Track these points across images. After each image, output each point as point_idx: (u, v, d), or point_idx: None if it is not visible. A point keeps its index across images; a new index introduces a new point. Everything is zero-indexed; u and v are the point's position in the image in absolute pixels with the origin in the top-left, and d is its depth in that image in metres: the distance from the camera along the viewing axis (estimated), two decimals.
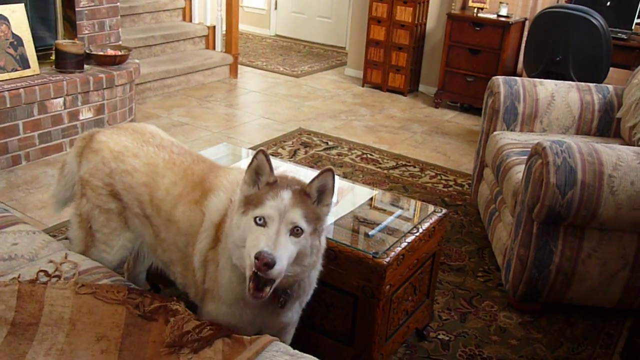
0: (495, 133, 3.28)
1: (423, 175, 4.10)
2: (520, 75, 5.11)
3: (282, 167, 3.11)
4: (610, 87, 3.42)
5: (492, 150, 3.18)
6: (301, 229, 1.52)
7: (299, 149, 4.38)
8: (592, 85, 3.42)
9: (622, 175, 2.36)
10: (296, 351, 1.30)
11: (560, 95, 3.32)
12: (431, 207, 2.44)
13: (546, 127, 3.32)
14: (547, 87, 3.35)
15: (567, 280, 2.56)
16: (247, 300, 1.62)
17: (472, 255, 3.13)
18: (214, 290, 1.73)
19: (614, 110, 3.31)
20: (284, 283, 1.57)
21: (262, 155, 1.57)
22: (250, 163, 1.59)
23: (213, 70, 5.89)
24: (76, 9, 4.26)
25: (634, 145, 2.91)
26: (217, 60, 5.90)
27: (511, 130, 3.32)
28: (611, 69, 4.13)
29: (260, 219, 1.51)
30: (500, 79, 3.35)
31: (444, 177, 4.08)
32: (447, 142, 4.78)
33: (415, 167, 4.22)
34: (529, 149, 2.60)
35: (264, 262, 1.41)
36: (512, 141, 3.10)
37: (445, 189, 3.90)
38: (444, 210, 2.40)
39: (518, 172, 2.76)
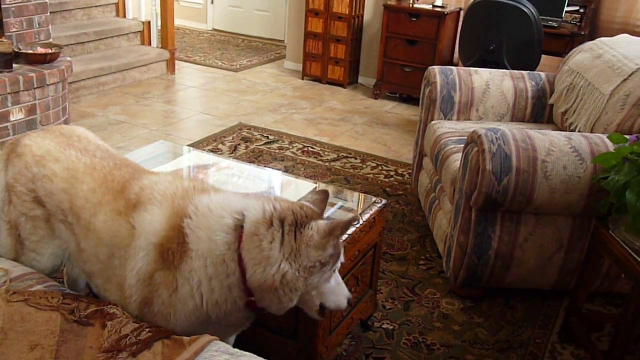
0: (432, 122, 3.33)
1: (364, 166, 4.12)
2: (456, 65, 5.19)
3: (223, 163, 3.07)
4: (543, 74, 3.51)
5: (430, 140, 3.22)
6: None
7: (239, 144, 4.33)
8: (525, 72, 3.51)
9: (555, 160, 2.43)
10: (236, 350, 1.28)
11: (494, 83, 3.39)
12: (371, 198, 2.45)
13: (482, 115, 3.39)
14: (482, 76, 3.41)
15: (506, 265, 2.62)
16: (212, 319, 1.63)
17: (414, 244, 3.17)
18: (167, 314, 1.63)
19: (546, 96, 3.41)
20: None
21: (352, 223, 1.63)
22: (343, 229, 1.59)
23: (149, 66, 5.76)
24: (2, 6, 4.07)
25: (565, 131, 3.00)
26: (153, 56, 5.78)
27: (448, 119, 3.38)
28: (543, 56, 4.24)
29: (336, 269, 1.67)
30: (436, 69, 3.40)
31: (384, 168, 4.12)
32: (387, 132, 4.82)
33: (356, 158, 4.24)
34: (466, 138, 2.65)
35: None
36: (449, 130, 3.15)
37: (387, 180, 3.93)
38: (384, 201, 2.42)
39: (456, 161, 2.80)
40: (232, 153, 4.16)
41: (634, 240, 2.14)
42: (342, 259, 1.66)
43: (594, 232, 2.36)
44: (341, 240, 1.64)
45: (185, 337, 1.45)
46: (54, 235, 1.89)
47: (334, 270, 1.66)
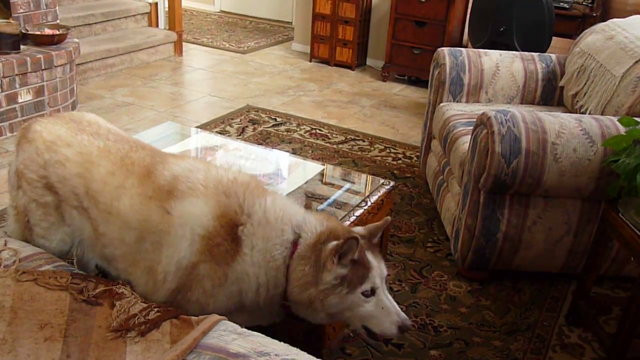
0: (441, 104, 3.31)
1: (372, 149, 4.11)
2: (466, 47, 5.14)
3: (231, 144, 3.07)
4: (553, 56, 3.48)
5: (439, 122, 3.20)
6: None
7: (247, 127, 4.33)
8: (535, 54, 3.47)
9: (565, 143, 2.41)
10: (244, 329, 1.29)
11: (504, 65, 3.36)
12: (379, 180, 2.45)
13: (491, 97, 3.36)
14: (491, 58, 3.38)
15: (514, 248, 2.61)
16: (246, 309, 1.69)
17: (422, 227, 3.16)
18: (206, 304, 1.66)
19: (557, 79, 3.37)
20: None
21: (354, 242, 1.58)
22: (340, 247, 1.58)
23: (157, 48, 5.75)
24: None
25: (576, 113, 2.97)
26: (160, 38, 5.75)
27: (457, 102, 3.35)
28: (554, 38, 4.20)
29: (368, 292, 1.63)
30: (445, 51, 3.37)
31: (392, 150, 4.10)
32: (396, 115, 4.80)
33: (364, 141, 4.22)
34: (475, 120, 2.63)
35: (408, 328, 1.65)
36: (458, 112, 3.13)
37: (394, 162, 3.92)
38: (392, 183, 2.41)
39: (465, 143, 2.79)
40: (239, 135, 4.15)
41: None
42: (374, 282, 1.63)
43: (603, 215, 2.34)
44: (369, 260, 1.64)
45: (193, 317, 1.46)
46: (64, 222, 1.88)
47: (366, 293, 1.63)
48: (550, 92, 3.38)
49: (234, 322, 1.49)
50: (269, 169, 2.86)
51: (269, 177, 2.65)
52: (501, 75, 3.34)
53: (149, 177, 1.74)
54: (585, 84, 3.02)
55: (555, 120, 2.47)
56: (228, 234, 1.62)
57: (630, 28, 2.97)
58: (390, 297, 1.67)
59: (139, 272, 1.73)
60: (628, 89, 2.66)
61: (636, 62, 2.68)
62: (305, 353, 1.22)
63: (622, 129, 2.37)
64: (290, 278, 1.63)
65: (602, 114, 2.77)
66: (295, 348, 1.23)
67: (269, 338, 1.30)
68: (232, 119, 4.46)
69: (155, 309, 1.52)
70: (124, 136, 1.95)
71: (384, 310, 1.64)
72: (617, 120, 2.42)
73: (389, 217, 1.84)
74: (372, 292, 1.63)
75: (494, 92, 3.35)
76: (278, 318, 1.81)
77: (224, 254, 1.62)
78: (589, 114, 2.86)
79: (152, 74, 5.38)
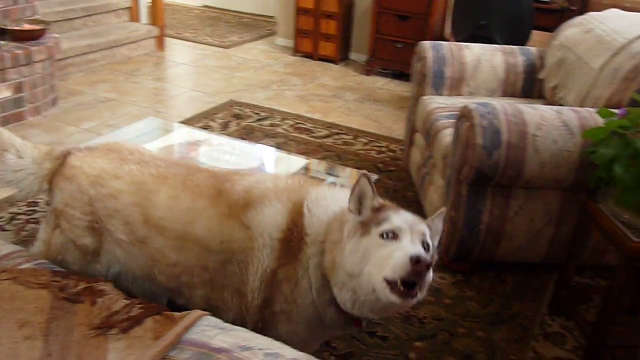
0: (424, 98, 3.32)
1: (356, 142, 4.11)
2: (448, 40, 5.16)
3: (214, 139, 3.06)
4: (534, 49, 3.50)
5: (422, 115, 3.22)
6: (428, 245, 1.48)
7: (230, 121, 4.31)
8: (516, 48, 3.49)
9: (545, 135, 2.43)
10: (227, 324, 1.29)
11: (486, 58, 3.38)
12: (354, 172, 2.45)
13: (473, 90, 3.38)
14: (473, 51, 3.40)
15: (497, 239, 2.64)
16: (324, 318, 1.63)
17: None
18: (290, 312, 1.62)
19: (537, 71, 3.39)
20: (387, 316, 1.62)
21: (365, 179, 1.50)
22: (353, 189, 1.52)
23: (139, 43, 5.71)
24: None
25: (556, 105, 2.99)
26: (142, 32, 5.72)
27: (440, 95, 3.36)
28: (535, 32, 4.23)
29: (389, 234, 1.44)
30: (427, 44, 3.38)
31: (376, 144, 4.11)
32: (379, 108, 4.81)
33: (348, 134, 4.23)
34: (457, 113, 2.64)
35: (425, 262, 1.34)
36: (440, 105, 3.14)
37: (378, 155, 3.93)
38: (376, 176, 2.42)
39: (447, 136, 2.80)
40: (223, 130, 4.14)
41: (622, 213, 2.16)
42: (396, 225, 1.45)
43: (583, 205, 2.37)
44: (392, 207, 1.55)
45: (177, 313, 1.46)
46: (97, 262, 1.83)
47: (386, 235, 1.44)
48: (530, 85, 3.41)
49: (317, 339, 1.50)
50: (253, 163, 2.87)
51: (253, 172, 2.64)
52: (482, 68, 3.36)
53: (220, 196, 1.68)
54: (565, 76, 3.04)
55: (535, 113, 2.49)
56: (298, 227, 1.60)
57: (607, 21, 2.99)
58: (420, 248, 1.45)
59: (228, 296, 1.67)
60: (606, 81, 2.69)
61: (613, 54, 2.71)
62: (289, 347, 1.22)
63: (601, 121, 2.39)
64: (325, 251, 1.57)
65: (581, 106, 2.79)
66: (278, 342, 1.23)
67: (252, 332, 1.30)
68: (215, 114, 4.45)
69: (138, 305, 1.51)
70: (174, 160, 1.89)
71: (396, 249, 1.42)
72: (596, 112, 2.45)
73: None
74: (395, 235, 1.44)
75: (475, 85, 3.37)
76: (349, 327, 1.68)
77: (294, 249, 1.59)
78: (569, 106, 2.89)
79: (134, 69, 5.34)
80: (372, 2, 5.41)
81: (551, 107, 2.57)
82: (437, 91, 3.35)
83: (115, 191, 1.74)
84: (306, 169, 2.82)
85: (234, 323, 1.66)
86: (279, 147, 3.83)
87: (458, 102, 3.17)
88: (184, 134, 3.13)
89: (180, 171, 1.78)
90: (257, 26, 7.25)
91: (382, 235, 1.44)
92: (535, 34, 4.24)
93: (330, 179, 2.60)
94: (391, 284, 1.38)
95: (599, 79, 2.74)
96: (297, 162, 2.90)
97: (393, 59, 5.46)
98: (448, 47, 3.39)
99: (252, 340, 1.20)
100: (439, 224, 1.60)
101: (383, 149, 4.03)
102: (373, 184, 1.51)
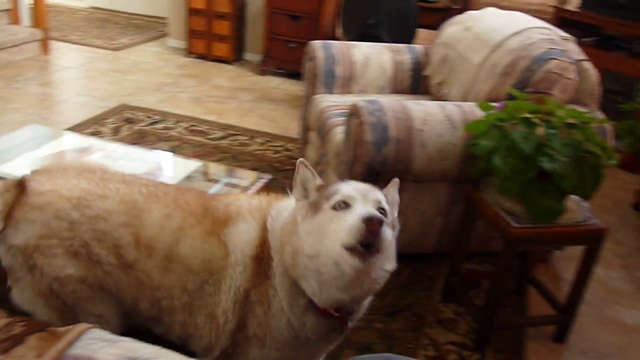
0: (316, 96, 3.36)
1: (252, 143, 4.11)
2: (339, 40, 5.25)
3: (109, 147, 2.95)
4: (420, 47, 3.62)
5: (315, 114, 3.26)
6: (385, 212, 1.45)
7: (122, 126, 4.18)
8: (403, 46, 3.60)
9: (431, 129, 2.53)
10: (113, 336, 1.25)
11: (374, 57, 3.47)
12: (256, 174, 2.46)
13: (364, 88, 3.46)
14: (361, 50, 3.47)
15: None
16: (304, 337, 1.56)
17: None
18: (263, 337, 1.56)
19: (423, 69, 3.52)
20: (360, 295, 1.50)
21: (303, 165, 1.51)
22: (295, 179, 1.51)
23: (21, 47, 5.41)
24: None
25: (441, 100, 3.12)
26: (24, 36, 5.43)
27: (331, 93, 3.42)
28: (423, 30, 4.38)
29: (340, 204, 1.40)
30: (317, 44, 3.42)
31: (273, 144, 4.12)
32: (275, 108, 4.82)
33: (244, 135, 4.21)
34: (348, 110, 2.70)
35: (377, 220, 1.31)
36: (332, 103, 3.19)
37: (275, 155, 3.94)
38: (270, 176, 2.43)
39: (339, 133, 2.85)
40: (114, 135, 4.01)
41: (503, 202, 2.28)
42: (347, 195, 1.43)
43: (469, 195, 2.49)
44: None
45: (61, 328, 1.40)
46: (97, 290, 1.68)
47: (338, 206, 1.42)
48: (417, 82, 3.53)
49: None
50: (146, 168, 2.80)
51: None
52: (372, 66, 3.45)
53: (206, 214, 1.63)
54: (448, 73, 3.17)
55: (421, 108, 2.58)
56: (265, 245, 1.56)
57: (485, 19, 3.15)
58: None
59: (201, 321, 1.61)
60: (485, 77, 2.83)
61: (491, 51, 2.85)
62: (176, 354, 1.20)
63: (481, 114, 2.52)
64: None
65: (464, 101, 2.92)
66: (166, 350, 1.21)
67: (140, 342, 1.27)
68: (106, 118, 4.30)
69: (20, 323, 1.44)
70: (160, 181, 1.82)
71: (347, 217, 1.39)
72: (476, 106, 2.57)
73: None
74: (347, 205, 1.41)
75: (365, 83, 3.45)
76: (335, 335, 1.63)
77: (265, 267, 1.55)
78: (452, 101, 3.01)
79: (16, 74, 5.06)
80: (265, 2, 5.41)
81: (436, 103, 2.68)
82: (329, 90, 3.40)
83: (104, 212, 1.62)
84: (203, 172, 2.79)
85: (205, 351, 1.64)
86: (173, 150, 3.76)
87: (349, 100, 3.23)
88: (70, 141, 3.00)
89: (169, 190, 1.71)
90: (148, 27, 7.06)
91: (334, 208, 1.42)
92: (421, 32, 4.40)
93: (225, 180, 2.58)
94: (350, 249, 1.36)
95: (479, 75, 2.88)
96: (191, 165, 2.86)
97: (287, 58, 5.49)
98: (338, 46, 3.45)
99: (138, 350, 1.17)
100: (394, 194, 1.61)
101: (279, 149, 4.05)
102: (311, 168, 1.53)
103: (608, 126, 2.67)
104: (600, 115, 2.72)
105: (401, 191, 2.62)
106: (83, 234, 1.61)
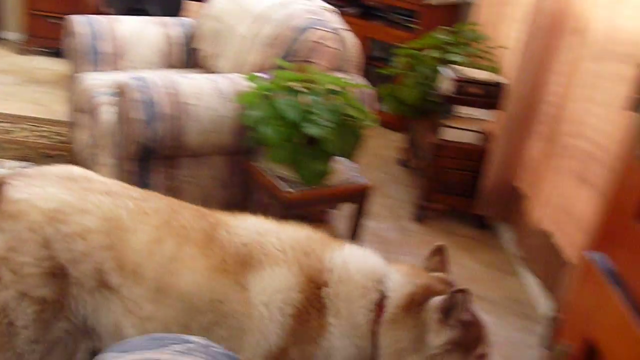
0: (80, 75, 3.16)
1: (17, 130, 3.76)
2: (106, 15, 4.98)
3: None
4: (190, 20, 3.57)
5: (80, 93, 3.07)
6: None
7: None
8: (171, 19, 3.53)
9: (202, 103, 2.51)
10: None
11: (142, 31, 3.34)
12: (18, 164, 2.26)
13: (134, 64, 3.32)
14: (128, 24, 3.33)
15: None
16: None
17: None
18: None
19: (194, 42, 3.48)
20: None
21: (464, 297, 1.34)
22: (447, 305, 1.34)
23: None
24: None
25: (212, 73, 3.11)
26: None
27: (99, 71, 3.24)
28: (192, 2, 4.30)
29: (481, 356, 1.39)
30: (76, 18, 3.22)
31: (42, 129, 3.82)
32: (43, 90, 4.47)
33: (6, 122, 3.84)
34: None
35: None
36: (98, 82, 3.03)
37: (44, 142, 3.66)
38: (30, 164, 2.25)
39: (105, 113, 2.72)
40: None
41: (276, 169, 2.36)
42: (489, 345, 1.41)
43: (246, 166, 2.53)
44: (480, 317, 1.42)
45: None
46: (60, 317, 1.43)
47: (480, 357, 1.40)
48: (190, 55, 3.48)
49: None
50: None
51: None
52: (141, 42, 3.32)
53: (211, 245, 1.42)
54: (218, 45, 3.17)
55: (191, 82, 2.56)
56: (315, 302, 1.38)
57: None
58: None
59: None
60: (252, 48, 2.87)
61: (255, 21, 2.90)
62: None
63: (253, 85, 2.56)
64: (382, 347, 1.37)
65: (235, 73, 2.94)
66: None
67: None
68: None
69: None
70: (150, 192, 1.55)
71: None
72: (244, 77, 2.61)
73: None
74: (482, 358, 1.41)
75: (136, 59, 3.32)
76: None
77: (312, 330, 1.37)
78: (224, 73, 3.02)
79: None
80: None
81: (206, 76, 2.67)
82: (95, 67, 3.22)
83: (82, 230, 1.39)
84: None
85: None
86: None
87: (116, 77, 3.09)
88: None
89: (161, 206, 1.48)
90: None
91: (477, 358, 1.39)
92: (191, 5, 4.33)
93: None
94: None
95: (247, 46, 2.91)
96: None
97: (52, 36, 5.03)
98: (102, 21, 3.28)
99: None
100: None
101: (49, 134, 3.77)
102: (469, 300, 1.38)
103: (369, 90, 2.87)
104: (360, 80, 2.90)
105: (180, 167, 2.62)
106: (59, 253, 1.41)
